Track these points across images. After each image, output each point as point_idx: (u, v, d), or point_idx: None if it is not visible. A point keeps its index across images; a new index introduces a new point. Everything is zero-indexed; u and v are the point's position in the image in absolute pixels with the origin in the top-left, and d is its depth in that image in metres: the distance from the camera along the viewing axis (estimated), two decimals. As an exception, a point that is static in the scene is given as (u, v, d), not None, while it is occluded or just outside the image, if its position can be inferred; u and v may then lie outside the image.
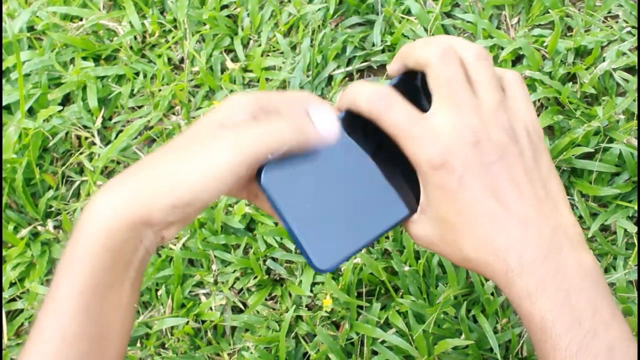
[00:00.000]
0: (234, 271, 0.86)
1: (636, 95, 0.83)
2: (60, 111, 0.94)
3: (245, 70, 0.95)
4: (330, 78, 0.94)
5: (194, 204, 0.39)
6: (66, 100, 0.98)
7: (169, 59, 0.98)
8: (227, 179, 0.38)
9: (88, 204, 0.42)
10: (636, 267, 0.79)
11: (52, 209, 0.93)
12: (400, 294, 0.82)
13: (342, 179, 0.43)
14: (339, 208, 0.43)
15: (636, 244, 0.80)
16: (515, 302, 0.40)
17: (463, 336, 0.77)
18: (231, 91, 0.93)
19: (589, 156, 0.83)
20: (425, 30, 0.92)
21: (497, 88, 0.40)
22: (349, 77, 0.94)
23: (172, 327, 0.85)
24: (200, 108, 0.94)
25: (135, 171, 0.42)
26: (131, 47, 0.98)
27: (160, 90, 0.95)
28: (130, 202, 0.39)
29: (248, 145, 0.38)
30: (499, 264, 0.39)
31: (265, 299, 0.85)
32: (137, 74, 0.97)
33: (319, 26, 0.95)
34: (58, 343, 0.40)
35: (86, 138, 0.94)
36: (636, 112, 0.83)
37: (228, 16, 0.99)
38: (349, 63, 0.94)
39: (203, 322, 0.85)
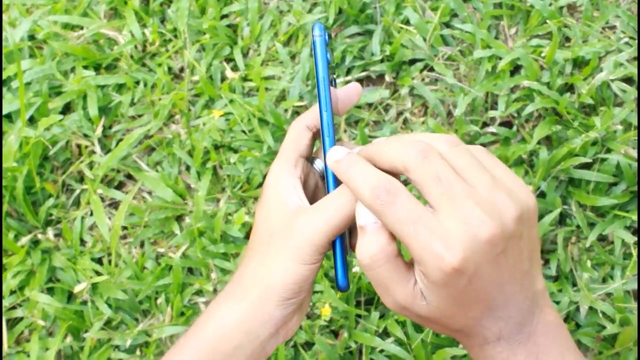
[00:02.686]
0: (233, 280, 0.86)
1: (634, 105, 0.84)
2: (60, 120, 0.94)
3: (244, 79, 0.96)
4: (330, 87, 0.94)
5: (303, 287, 0.44)
6: (67, 109, 0.98)
7: (169, 68, 0.98)
8: (320, 256, 0.43)
9: (207, 310, 0.46)
10: (633, 277, 0.79)
11: (53, 217, 0.93)
12: (399, 303, 0.82)
13: None
14: None
15: (634, 254, 0.80)
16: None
17: (461, 345, 0.77)
18: (231, 101, 0.93)
19: (586, 166, 0.84)
20: (424, 40, 0.92)
21: (481, 168, 0.38)
22: (348, 86, 0.95)
23: (172, 336, 0.86)
24: (200, 117, 0.95)
25: (240, 280, 0.46)
26: (132, 56, 0.99)
27: (160, 99, 0.96)
28: (245, 310, 0.44)
29: (328, 229, 0.42)
30: (477, 336, 0.41)
31: (265, 308, 0.85)
32: (138, 82, 0.98)
33: (318, 36, 0.95)
34: None
35: (86, 147, 0.95)
36: (634, 123, 0.83)
37: (228, 25, 0.99)
38: (348, 72, 0.95)
39: (202, 330, 0.85)
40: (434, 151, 0.38)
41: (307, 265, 0.43)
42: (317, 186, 0.50)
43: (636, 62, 0.86)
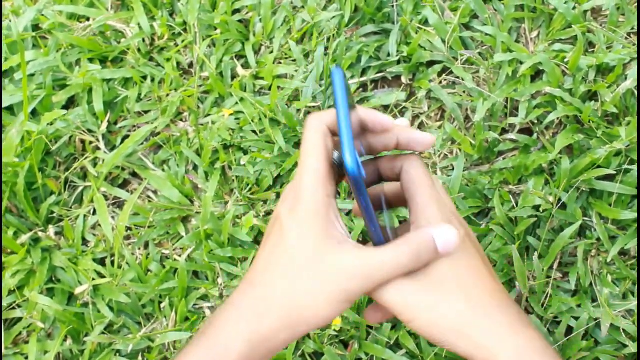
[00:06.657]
0: (241, 285, 0.84)
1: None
2: (64, 114, 0.91)
3: (256, 77, 0.93)
4: (344, 88, 0.91)
5: (320, 324, 0.43)
6: (71, 103, 0.95)
7: (178, 64, 0.95)
8: (352, 302, 0.42)
9: (216, 314, 0.44)
10: (655, 294, 0.77)
11: (54, 214, 0.90)
12: (412, 314, 0.79)
13: None
14: None
15: (656, 269, 0.77)
16: None
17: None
18: (241, 99, 0.90)
19: (608, 177, 0.81)
20: (443, 41, 0.89)
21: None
22: (363, 87, 0.92)
23: (175, 342, 0.83)
24: (209, 115, 0.92)
25: (265, 299, 0.43)
26: (139, 50, 0.96)
27: (168, 95, 0.92)
28: (261, 333, 0.42)
29: (376, 279, 0.42)
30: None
31: (272, 315, 0.83)
32: (145, 77, 0.94)
33: (333, 34, 0.92)
34: None
35: (91, 143, 0.92)
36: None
37: (240, 21, 0.96)
38: (363, 73, 0.92)
39: (207, 337, 0.83)
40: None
41: (336, 310, 0.42)
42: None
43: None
